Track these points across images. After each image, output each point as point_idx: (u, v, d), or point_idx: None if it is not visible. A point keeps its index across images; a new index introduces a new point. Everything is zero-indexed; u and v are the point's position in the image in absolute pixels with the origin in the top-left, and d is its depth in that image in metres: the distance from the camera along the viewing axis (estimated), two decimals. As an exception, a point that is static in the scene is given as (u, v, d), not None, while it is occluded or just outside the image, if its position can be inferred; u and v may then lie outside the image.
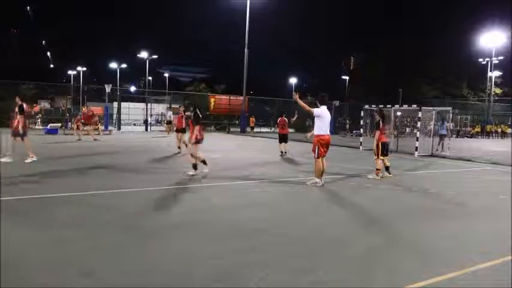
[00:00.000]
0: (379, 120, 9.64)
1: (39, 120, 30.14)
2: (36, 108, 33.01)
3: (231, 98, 35.71)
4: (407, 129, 21.14)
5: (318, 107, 8.20)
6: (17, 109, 10.04)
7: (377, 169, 9.37)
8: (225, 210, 6.00)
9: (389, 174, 9.54)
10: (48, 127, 23.86)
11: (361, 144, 17.69)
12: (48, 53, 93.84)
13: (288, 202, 6.81)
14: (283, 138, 13.90)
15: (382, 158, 9.47)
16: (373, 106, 19.51)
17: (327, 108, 8.32)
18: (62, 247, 4.09)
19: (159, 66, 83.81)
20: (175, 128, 14.90)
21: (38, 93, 36.89)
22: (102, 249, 4.09)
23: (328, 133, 8.26)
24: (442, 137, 17.38)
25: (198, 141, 8.98)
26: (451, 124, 19.45)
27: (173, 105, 36.95)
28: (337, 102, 34.32)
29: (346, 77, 67.09)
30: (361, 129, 19.28)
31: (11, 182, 7.28)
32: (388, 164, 9.64)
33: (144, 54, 51.84)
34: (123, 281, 3.36)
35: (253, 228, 5.03)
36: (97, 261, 3.76)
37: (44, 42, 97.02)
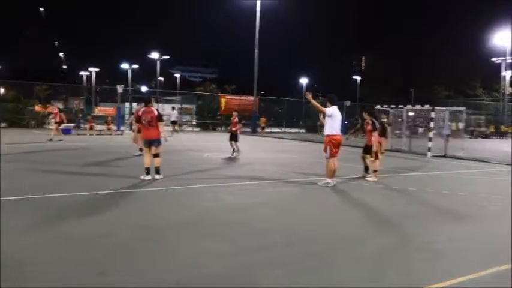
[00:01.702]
0: (372, 121, 9.48)
1: (52, 120, 30.50)
2: (50, 109, 33.46)
3: (242, 98, 35.73)
4: (420, 130, 20.94)
5: (328, 107, 8.19)
6: None
7: (375, 170, 9.26)
8: (236, 210, 6.02)
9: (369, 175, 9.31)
10: (62, 127, 24.15)
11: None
12: (61, 54, 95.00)
13: (299, 202, 6.80)
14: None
15: (370, 158, 9.35)
16: (384, 106, 19.39)
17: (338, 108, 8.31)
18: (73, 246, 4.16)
19: (170, 67, 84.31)
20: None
21: (51, 94, 37.33)
22: (114, 248, 4.15)
23: (340, 133, 8.23)
24: (445, 136, 17.15)
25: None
26: (463, 124, 19.15)
27: (185, 106, 37.19)
28: (348, 102, 34.10)
29: (357, 77, 66.69)
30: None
31: None
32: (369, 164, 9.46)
33: (155, 55, 52.19)
34: (135, 280, 3.39)
35: (265, 228, 5.04)
36: (109, 260, 3.81)
37: (56, 43, 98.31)
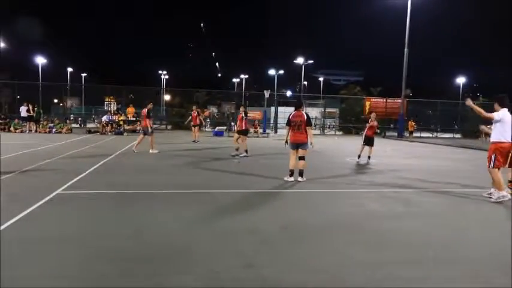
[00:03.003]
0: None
1: (208, 123, 33.84)
2: (206, 113, 37.26)
3: (388, 100, 33.97)
4: None
5: (496, 111, 7.14)
6: (145, 113, 13.07)
7: (510, 181, 7.63)
8: (381, 217, 5.71)
9: None
10: (216, 130, 26.65)
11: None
12: (217, 63, 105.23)
13: (454, 215, 6.10)
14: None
15: None
16: None
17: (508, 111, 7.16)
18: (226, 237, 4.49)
19: (314, 71, 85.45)
20: (236, 130, 13.90)
21: (208, 99, 41.49)
22: (261, 244, 4.34)
23: (510, 140, 7.09)
24: None
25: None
26: None
27: (328, 109, 37.14)
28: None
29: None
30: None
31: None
32: None
33: (300, 60, 53.55)
34: (280, 276, 3.50)
35: (413, 239, 4.67)
36: (256, 254, 3.99)
37: (213, 54, 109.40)
